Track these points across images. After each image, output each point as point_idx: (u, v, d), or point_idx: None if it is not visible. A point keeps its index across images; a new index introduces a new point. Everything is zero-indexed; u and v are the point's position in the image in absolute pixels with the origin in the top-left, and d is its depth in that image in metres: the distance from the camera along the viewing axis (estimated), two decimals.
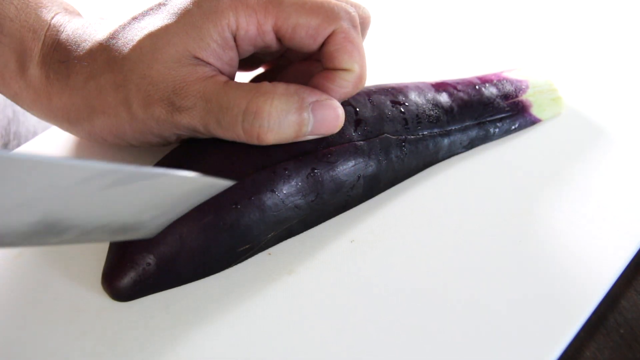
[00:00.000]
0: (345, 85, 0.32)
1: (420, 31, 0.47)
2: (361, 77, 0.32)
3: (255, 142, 0.30)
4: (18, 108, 0.45)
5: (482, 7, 0.50)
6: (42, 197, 0.25)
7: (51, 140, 0.38)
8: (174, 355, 0.28)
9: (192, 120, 0.30)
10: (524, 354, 0.28)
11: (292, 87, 0.30)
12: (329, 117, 0.31)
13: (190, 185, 0.28)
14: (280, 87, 0.30)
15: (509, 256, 0.32)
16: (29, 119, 0.45)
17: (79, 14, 0.35)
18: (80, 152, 0.37)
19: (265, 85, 0.30)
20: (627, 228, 0.33)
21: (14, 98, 0.34)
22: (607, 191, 0.35)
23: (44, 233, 0.26)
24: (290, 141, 0.31)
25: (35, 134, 0.44)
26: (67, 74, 0.32)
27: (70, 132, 0.35)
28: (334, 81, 0.31)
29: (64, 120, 0.34)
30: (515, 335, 0.29)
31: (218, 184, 0.29)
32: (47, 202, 0.25)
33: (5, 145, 0.43)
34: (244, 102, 0.29)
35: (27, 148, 0.38)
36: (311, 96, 0.31)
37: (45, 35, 0.33)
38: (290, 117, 0.30)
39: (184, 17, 0.30)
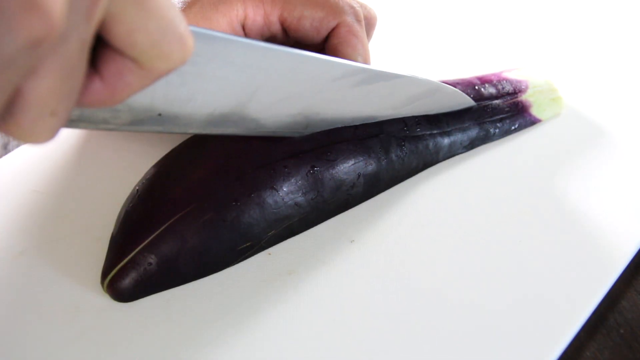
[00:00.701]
0: None
1: (420, 31, 0.47)
2: None
3: None
4: None
5: (482, 7, 0.50)
6: (304, 91, 0.28)
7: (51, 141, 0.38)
8: (174, 355, 0.28)
9: None
10: (524, 354, 0.28)
11: None
12: None
13: (423, 88, 0.33)
14: None
15: (509, 256, 0.32)
16: None
17: None
18: (82, 151, 0.37)
19: None
20: (627, 228, 0.33)
21: None
22: (607, 191, 0.35)
23: (301, 124, 0.30)
24: None
25: None
26: None
27: None
28: None
29: None
30: (515, 335, 0.29)
31: (455, 95, 0.34)
32: (308, 96, 0.28)
33: (5, 146, 0.43)
34: None
35: (27, 148, 0.38)
36: None
37: None
38: None
39: (194, 7, 0.32)
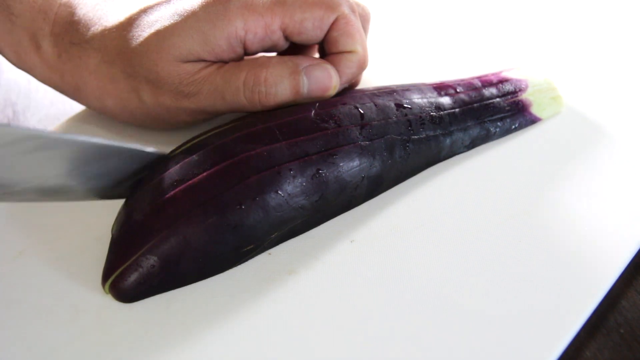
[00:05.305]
0: (351, 66, 0.34)
1: (420, 31, 0.47)
2: (364, 58, 0.34)
3: (258, 107, 0.32)
4: (18, 108, 0.45)
5: (482, 8, 0.50)
6: None
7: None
8: (174, 355, 0.28)
9: (200, 103, 0.33)
10: (524, 354, 0.28)
11: (287, 57, 0.33)
12: (322, 77, 0.33)
13: (111, 152, 0.29)
14: (275, 57, 0.33)
15: (509, 256, 0.32)
16: (28, 119, 0.45)
17: None
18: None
19: (261, 57, 0.33)
20: (627, 228, 0.33)
21: (30, 72, 0.36)
22: (607, 190, 0.35)
23: None
24: (290, 102, 0.33)
25: None
26: (78, 56, 0.33)
27: (83, 105, 0.37)
28: (340, 64, 0.33)
29: (76, 96, 0.36)
30: (515, 335, 0.29)
31: (143, 153, 0.31)
32: None
33: None
34: (243, 74, 0.32)
35: None
36: (305, 61, 0.33)
37: (55, 14, 0.34)
38: (285, 80, 0.32)
39: (190, 20, 0.31)
